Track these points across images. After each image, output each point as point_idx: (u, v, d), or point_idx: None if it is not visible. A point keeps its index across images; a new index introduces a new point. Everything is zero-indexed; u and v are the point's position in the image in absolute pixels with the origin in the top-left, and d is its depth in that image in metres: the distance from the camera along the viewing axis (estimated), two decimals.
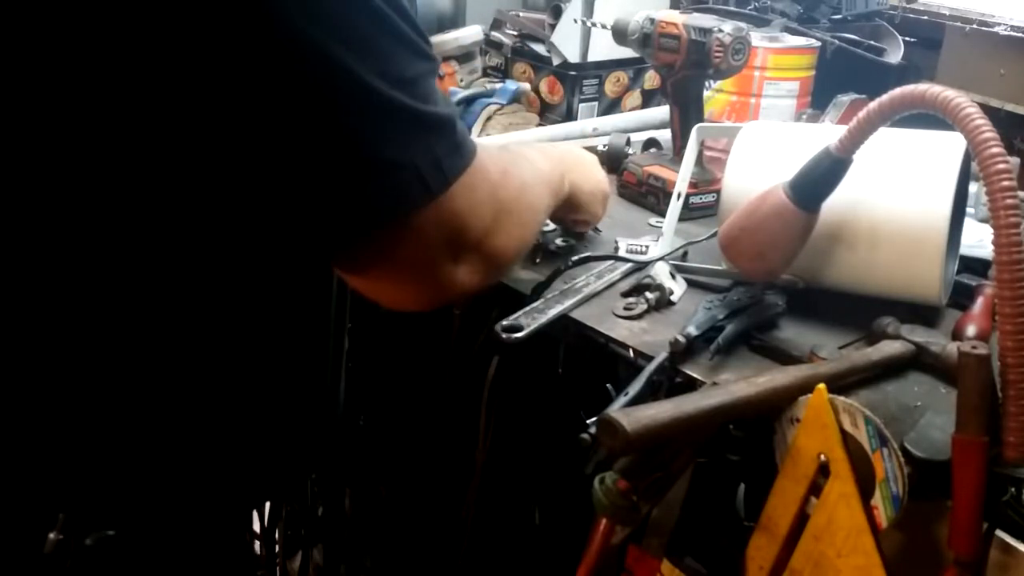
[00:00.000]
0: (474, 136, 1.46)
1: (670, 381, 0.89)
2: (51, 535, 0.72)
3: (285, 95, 0.59)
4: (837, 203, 0.91)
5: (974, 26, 1.61)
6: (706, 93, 1.46)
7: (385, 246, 0.66)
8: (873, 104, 0.83)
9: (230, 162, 0.62)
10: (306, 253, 0.71)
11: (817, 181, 0.89)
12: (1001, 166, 0.72)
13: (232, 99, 0.59)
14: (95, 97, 0.59)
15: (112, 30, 0.57)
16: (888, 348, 0.89)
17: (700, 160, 1.29)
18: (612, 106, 1.76)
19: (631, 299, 1.03)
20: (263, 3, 0.57)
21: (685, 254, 1.14)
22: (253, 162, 0.62)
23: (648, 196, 1.34)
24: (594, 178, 1.09)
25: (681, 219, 1.19)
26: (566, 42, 1.69)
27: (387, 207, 0.64)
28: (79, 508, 0.73)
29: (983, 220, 1.12)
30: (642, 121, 1.68)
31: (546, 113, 1.74)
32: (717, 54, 1.25)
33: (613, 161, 1.48)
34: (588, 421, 0.81)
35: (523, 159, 0.88)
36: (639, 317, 1.01)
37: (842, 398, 0.77)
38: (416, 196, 0.65)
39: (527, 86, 1.71)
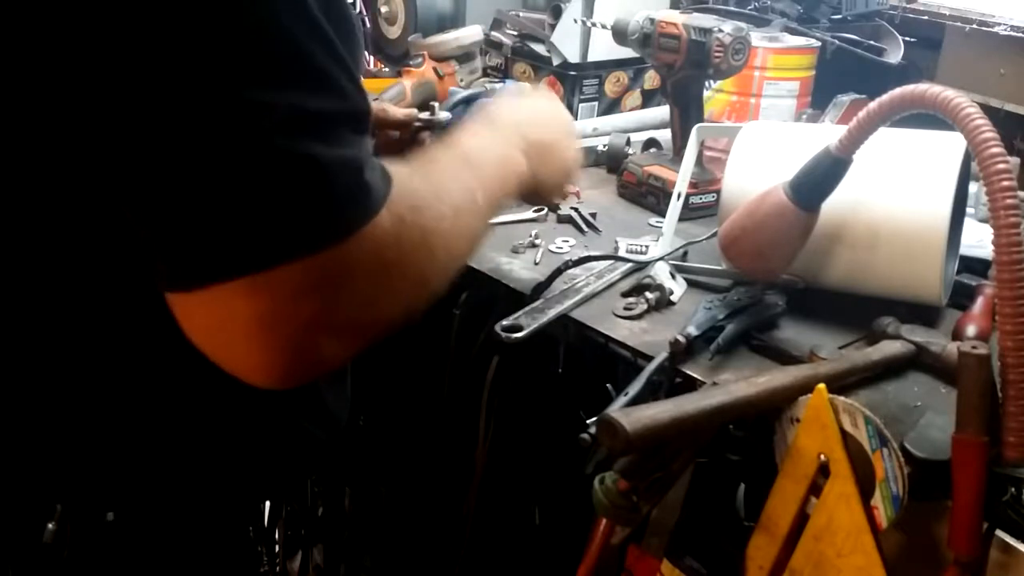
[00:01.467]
0: None
1: (670, 381, 0.89)
2: (49, 525, 0.72)
3: (141, 106, 0.53)
4: (837, 203, 0.91)
5: (974, 26, 1.61)
6: (706, 93, 1.46)
7: (229, 300, 0.55)
8: (873, 104, 0.83)
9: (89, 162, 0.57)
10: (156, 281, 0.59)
11: (817, 181, 0.89)
12: (1001, 166, 0.72)
13: (84, 100, 0.54)
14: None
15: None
16: (888, 348, 0.89)
17: (700, 160, 1.29)
18: (612, 106, 1.76)
19: (631, 299, 1.03)
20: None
21: (685, 254, 1.14)
22: (105, 180, 0.56)
23: (648, 196, 1.34)
24: (562, 164, 0.94)
25: (681, 219, 1.19)
26: (566, 42, 1.69)
27: (237, 253, 0.54)
28: (77, 499, 0.73)
29: (983, 220, 1.12)
30: (642, 121, 1.68)
31: None
32: (717, 54, 1.25)
33: (613, 161, 1.48)
34: (588, 421, 0.81)
35: (454, 179, 0.74)
36: (639, 317, 1.01)
37: (842, 398, 0.77)
38: (280, 248, 0.55)
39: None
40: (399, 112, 1.18)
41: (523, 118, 0.91)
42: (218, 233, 0.54)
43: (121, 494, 0.74)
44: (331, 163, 0.56)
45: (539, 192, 0.91)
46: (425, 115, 1.19)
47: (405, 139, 1.18)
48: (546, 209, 1.28)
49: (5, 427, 0.71)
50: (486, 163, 0.80)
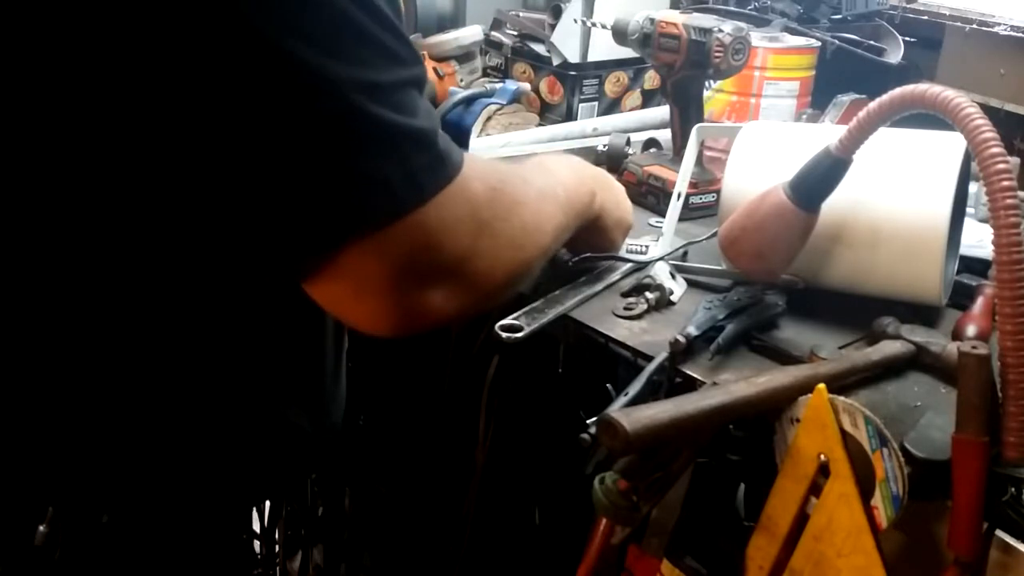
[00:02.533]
0: (474, 136, 1.46)
1: (670, 381, 0.89)
2: (40, 528, 0.72)
3: (242, 98, 0.57)
4: (837, 203, 0.91)
5: (974, 26, 1.61)
6: (706, 93, 1.46)
7: (349, 264, 0.62)
8: (873, 104, 0.83)
9: (192, 166, 0.60)
10: (270, 264, 0.66)
11: (817, 181, 0.89)
12: (1001, 166, 0.72)
13: (188, 103, 0.57)
14: (70, 101, 0.59)
15: (85, 38, 0.57)
16: (888, 348, 0.89)
17: (700, 160, 1.29)
18: (612, 106, 1.76)
19: (631, 299, 1.03)
20: (224, 6, 0.55)
21: (685, 254, 1.14)
22: (211, 168, 0.60)
23: (648, 196, 1.34)
24: (624, 206, 1.05)
25: (681, 219, 1.19)
26: (566, 42, 1.69)
27: (350, 222, 0.61)
28: (69, 501, 0.73)
29: (983, 220, 1.12)
30: (642, 121, 1.68)
31: (546, 113, 1.74)
32: (717, 54, 1.25)
33: (613, 161, 1.48)
34: (588, 421, 0.81)
35: (538, 172, 0.84)
36: (639, 317, 1.01)
37: (842, 398, 0.77)
38: (384, 212, 0.61)
39: (527, 86, 1.71)
40: None
41: (584, 164, 1.01)
42: (343, 198, 0.60)
43: (114, 496, 0.74)
44: (415, 129, 0.62)
45: (606, 220, 1.00)
46: None
47: None
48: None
49: None
50: (562, 171, 0.89)
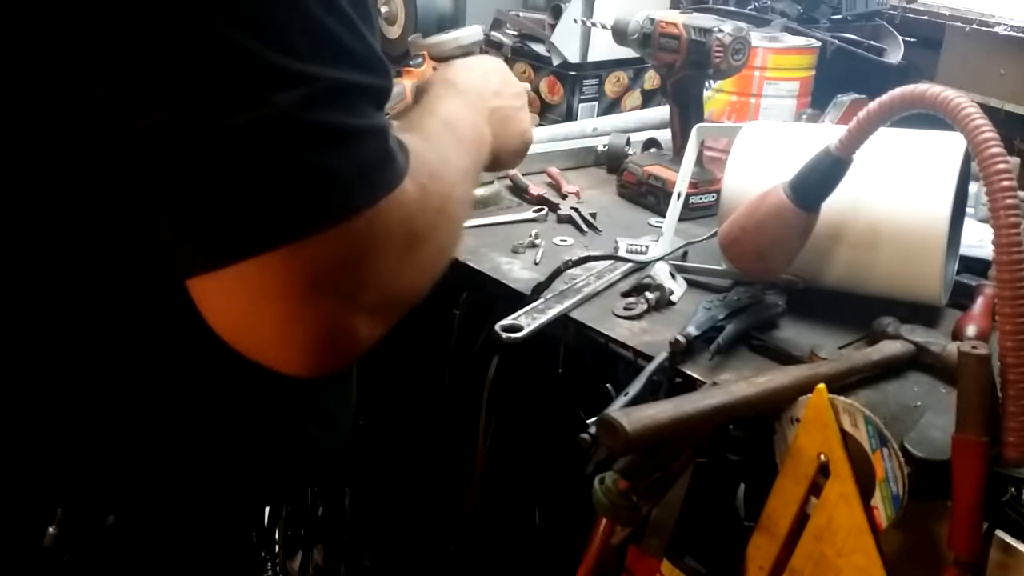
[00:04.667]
0: None
1: (670, 381, 0.89)
2: (50, 529, 0.72)
3: (193, 85, 0.52)
4: (837, 203, 0.91)
5: (974, 26, 1.61)
6: (706, 93, 1.46)
7: (265, 274, 0.53)
8: (873, 104, 0.83)
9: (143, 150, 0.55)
10: (177, 265, 0.57)
11: (817, 181, 0.89)
12: (1001, 166, 0.72)
13: (111, 60, 0.53)
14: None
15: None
16: (888, 348, 0.89)
17: (700, 160, 1.29)
18: (612, 106, 1.76)
19: (631, 299, 1.03)
20: None
21: (685, 254, 1.14)
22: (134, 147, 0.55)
23: (648, 196, 1.34)
24: (520, 133, 0.95)
25: (681, 219, 1.19)
26: (566, 42, 1.69)
27: (276, 221, 0.53)
28: (78, 502, 0.73)
29: (983, 220, 1.12)
30: (642, 121, 1.68)
31: (546, 113, 1.74)
32: (717, 54, 1.25)
33: (613, 161, 1.48)
34: (588, 421, 0.81)
35: (449, 145, 0.75)
36: (639, 317, 1.01)
37: (842, 398, 0.77)
38: (321, 212, 0.54)
39: (527, 86, 1.71)
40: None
41: (481, 85, 0.92)
42: (247, 206, 0.52)
43: (122, 497, 0.74)
44: (358, 131, 0.55)
45: (500, 159, 0.91)
46: None
47: None
48: (546, 209, 1.29)
49: (6, 431, 0.71)
50: (463, 130, 0.79)
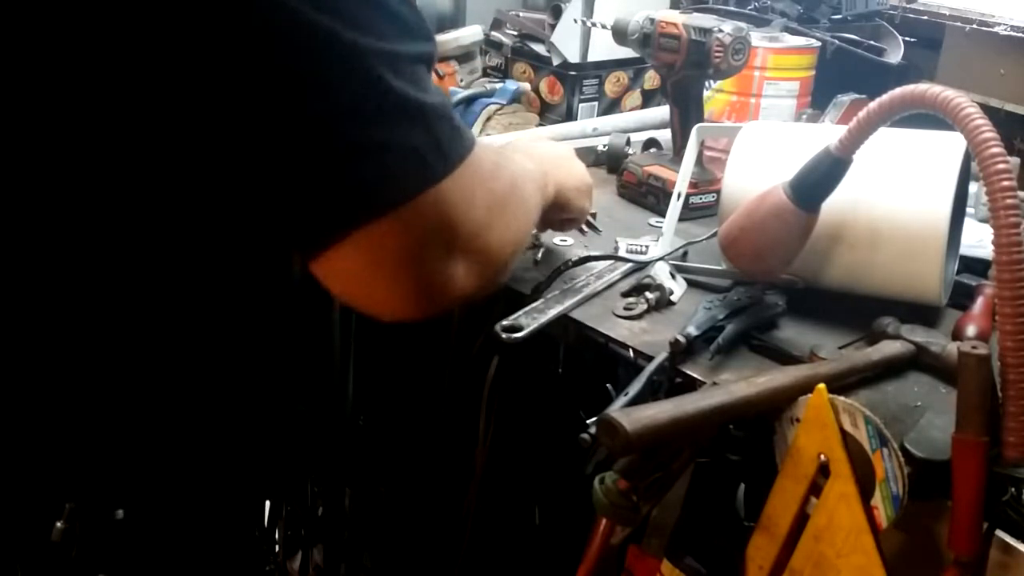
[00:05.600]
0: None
1: (670, 381, 0.89)
2: (58, 524, 0.72)
3: (265, 70, 0.56)
4: (837, 203, 0.91)
5: (974, 26, 1.61)
6: (706, 93, 1.46)
7: (377, 238, 0.60)
8: (873, 104, 0.83)
9: (211, 147, 0.59)
10: (296, 246, 0.64)
11: (817, 181, 0.89)
12: (1001, 166, 0.72)
13: (210, 75, 0.56)
14: (80, 89, 0.59)
15: (100, 26, 0.57)
16: (888, 348, 0.89)
17: (700, 160, 1.29)
18: (612, 106, 1.76)
19: (631, 299, 1.03)
20: None
21: (685, 254, 1.14)
22: (235, 146, 0.59)
23: (648, 196, 1.34)
24: (577, 174, 1.05)
25: (681, 219, 1.19)
26: (566, 42, 1.69)
27: (381, 192, 0.59)
28: (87, 497, 0.73)
29: (983, 220, 1.12)
30: (642, 121, 1.68)
31: (546, 113, 1.74)
32: (717, 54, 1.25)
33: (613, 161, 1.48)
34: (588, 421, 0.81)
35: (510, 154, 0.85)
36: (639, 317, 1.01)
37: (842, 398, 0.77)
38: (414, 181, 0.60)
39: (527, 86, 1.71)
40: None
41: (526, 145, 1.00)
42: (356, 178, 0.59)
43: (130, 491, 0.74)
44: (428, 105, 0.61)
45: (565, 194, 1.00)
46: None
47: None
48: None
49: (14, 425, 0.71)
50: (523, 157, 0.88)
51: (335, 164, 0.58)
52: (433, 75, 1.73)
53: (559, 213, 1.02)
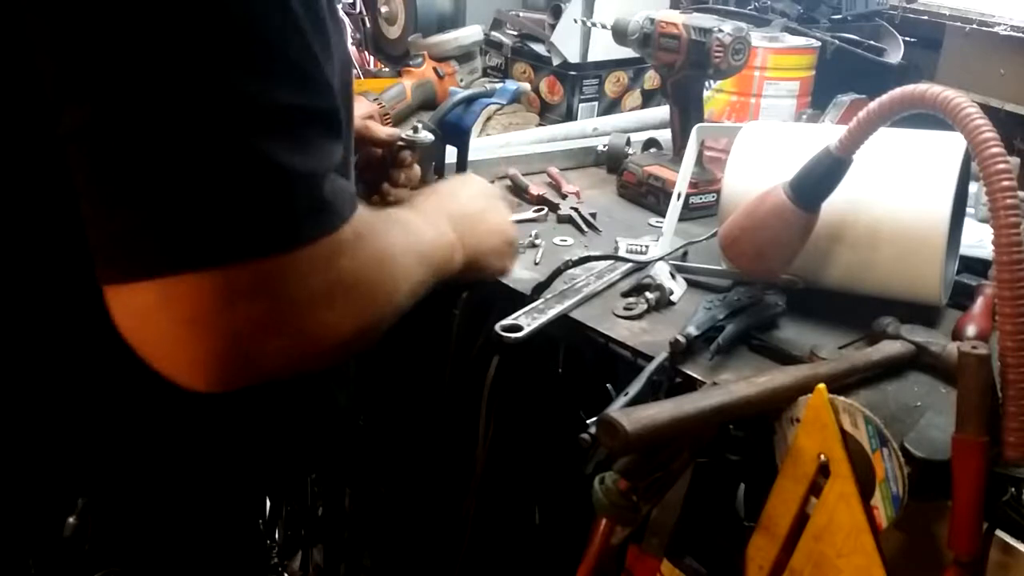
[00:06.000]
0: (474, 136, 1.46)
1: (670, 381, 0.89)
2: (70, 519, 0.72)
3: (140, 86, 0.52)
4: (837, 203, 0.91)
5: (974, 26, 1.61)
6: (706, 93, 1.46)
7: (185, 289, 0.55)
8: (873, 104, 0.83)
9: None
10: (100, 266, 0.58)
11: (817, 181, 0.89)
12: (1001, 166, 0.72)
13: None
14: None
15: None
16: (888, 348, 0.89)
17: (700, 160, 1.29)
18: (612, 106, 1.76)
19: (631, 299, 1.03)
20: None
21: (685, 254, 1.14)
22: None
23: (648, 196, 1.34)
24: (496, 231, 0.98)
25: (681, 219, 1.19)
26: (566, 42, 1.69)
27: (204, 246, 0.54)
28: (99, 492, 0.73)
29: (983, 220, 1.12)
30: (642, 121, 1.68)
31: (546, 113, 1.74)
32: (717, 54, 1.25)
33: (613, 161, 1.48)
34: (588, 421, 0.81)
35: (398, 226, 0.77)
36: (639, 317, 1.01)
37: (842, 398, 0.77)
38: (243, 246, 0.55)
39: (527, 86, 1.71)
40: (382, 131, 1.18)
41: (443, 199, 0.94)
42: (167, 226, 0.54)
43: (138, 487, 0.75)
44: (293, 172, 0.56)
45: (480, 260, 0.93)
46: (407, 134, 1.19)
47: (387, 157, 1.18)
48: (546, 209, 1.29)
49: (24, 422, 0.71)
50: (420, 226, 0.81)
51: (170, 203, 0.54)
52: (433, 75, 1.72)
53: (474, 275, 0.95)
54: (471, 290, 1.13)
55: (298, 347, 0.61)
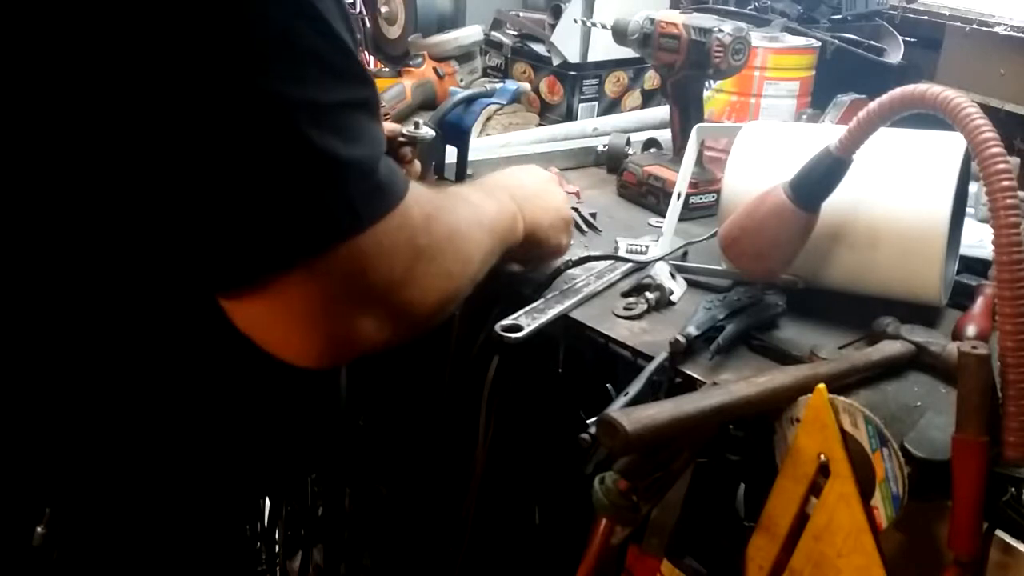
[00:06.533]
0: (474, 136, 1.46)
1: (670, 381, 0.89)
2: (38, 529, 0.72)
3: (186, 114, 0.56)
4: (837, 203, 0.91)
5: (974, 26, 1.61)
6: (706, 93, 1.46)
7: (285, 289, 0.60)
8: (873, 104, 0.83)
9: (137, 173, 0.59)
10: (197, 279, 0.63)
11: (817, 181, 0.89)
12: (1001, 166, 0.72)
13: (141, 114, 0.56)
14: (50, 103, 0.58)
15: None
16: (888, 348, 0.89)
17: (700, 160, 1.29)
18: (612, 106, 1.76)
19: (631, 299, 1.03)
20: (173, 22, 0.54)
21: (685, 254, 1.14)
22: (147, 184, 0.58)
23: (648, 196, 1.34)
24: (552, 208, 1.02)
25: (681, 219, 1.19)
26: (566, 42, 1.69)
27: (287, 247, 0.59)
28: (67, 501, 0.73)
29: (983, 220, 1.12)
30: (642, 121, 1.68)
31: (546, 113, 1.74)
32: (717, 54, 1.25)
33: (613, 161, 1.48)
34: (588, 421, 0.81)
35: (461, 202, 0.82)
36: (639, 317, 1.01)
37: (842, 398, 0.77)
38: (320, 239, 0.60)
39: (527, 86, 1.71)
40: (383, 127, 1.18)
41: (501, 177, 1.01)
42: (265, 228, 0.58)
43: (114, 494, 0.74)
44: (351, 159, 0.60)
45: (538, 233, 0.98)
46: (408, 130, 1.19)
47: (388, 153, 1.18)
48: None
49: None
50: (481, 199, 0.87)
51: (242, 216, 0.58)
52: (433, 75, 1.72)
53: (533, 250, 1.00)
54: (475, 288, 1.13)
55: (390, 321, 0.66)
